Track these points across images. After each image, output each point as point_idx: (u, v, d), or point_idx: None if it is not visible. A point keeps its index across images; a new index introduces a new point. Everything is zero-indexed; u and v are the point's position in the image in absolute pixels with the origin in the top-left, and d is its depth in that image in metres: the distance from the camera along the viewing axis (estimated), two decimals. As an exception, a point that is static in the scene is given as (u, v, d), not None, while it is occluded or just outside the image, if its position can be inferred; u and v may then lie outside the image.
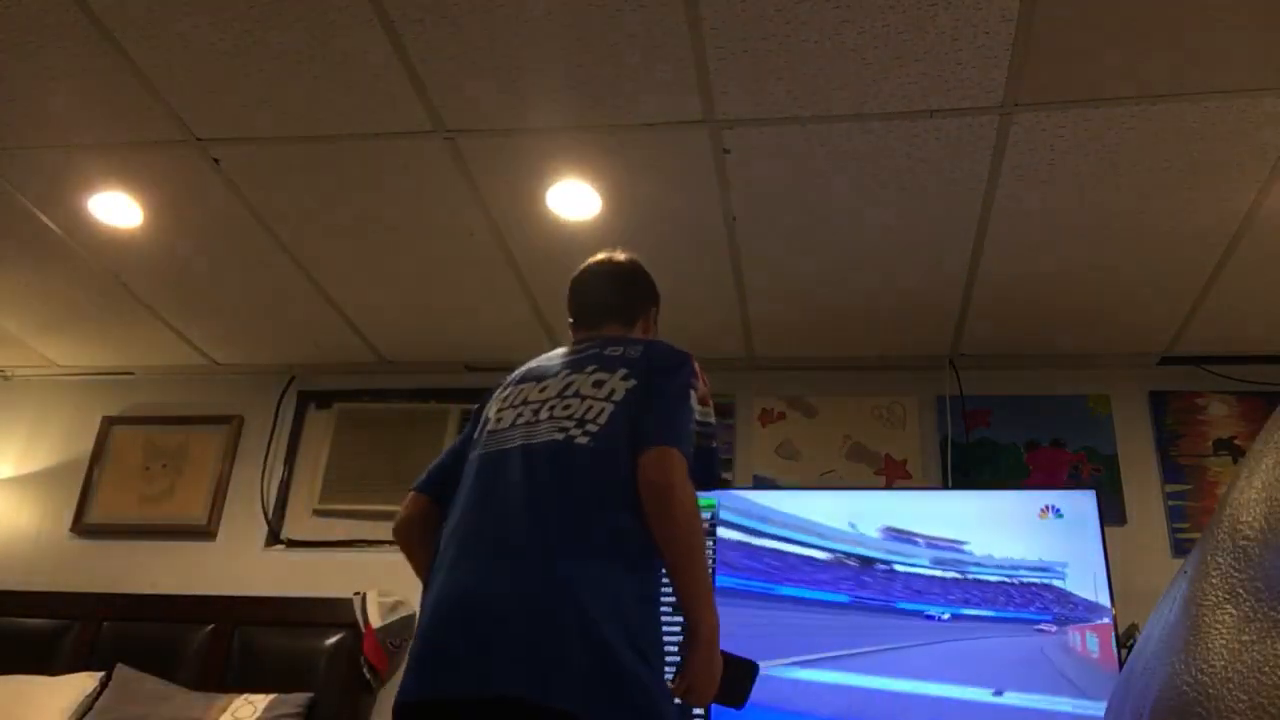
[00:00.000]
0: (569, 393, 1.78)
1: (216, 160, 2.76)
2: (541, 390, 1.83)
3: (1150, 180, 2.59)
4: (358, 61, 2.38)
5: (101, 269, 3.32)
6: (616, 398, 1.75)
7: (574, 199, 2.82)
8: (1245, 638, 0.71)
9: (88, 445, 3.95)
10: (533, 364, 1.96)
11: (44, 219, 3.07)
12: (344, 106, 2.52)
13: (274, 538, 3.69)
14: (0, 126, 2.67)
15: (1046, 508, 3.01)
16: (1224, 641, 0.73)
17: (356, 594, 3.33)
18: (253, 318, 3.59)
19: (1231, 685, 0.69)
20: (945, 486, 3.38)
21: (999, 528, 2.99)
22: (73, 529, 3.81)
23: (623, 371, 1.79)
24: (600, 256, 2.11)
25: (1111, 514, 3.19)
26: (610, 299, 2.04)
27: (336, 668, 3.27)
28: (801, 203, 2.77)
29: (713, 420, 1.84)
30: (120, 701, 3.14)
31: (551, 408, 1.77)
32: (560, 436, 1.72)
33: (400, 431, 3.73)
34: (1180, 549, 3.23)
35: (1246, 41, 2.15)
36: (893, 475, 3.45)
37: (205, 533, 3.72)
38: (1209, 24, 2.12)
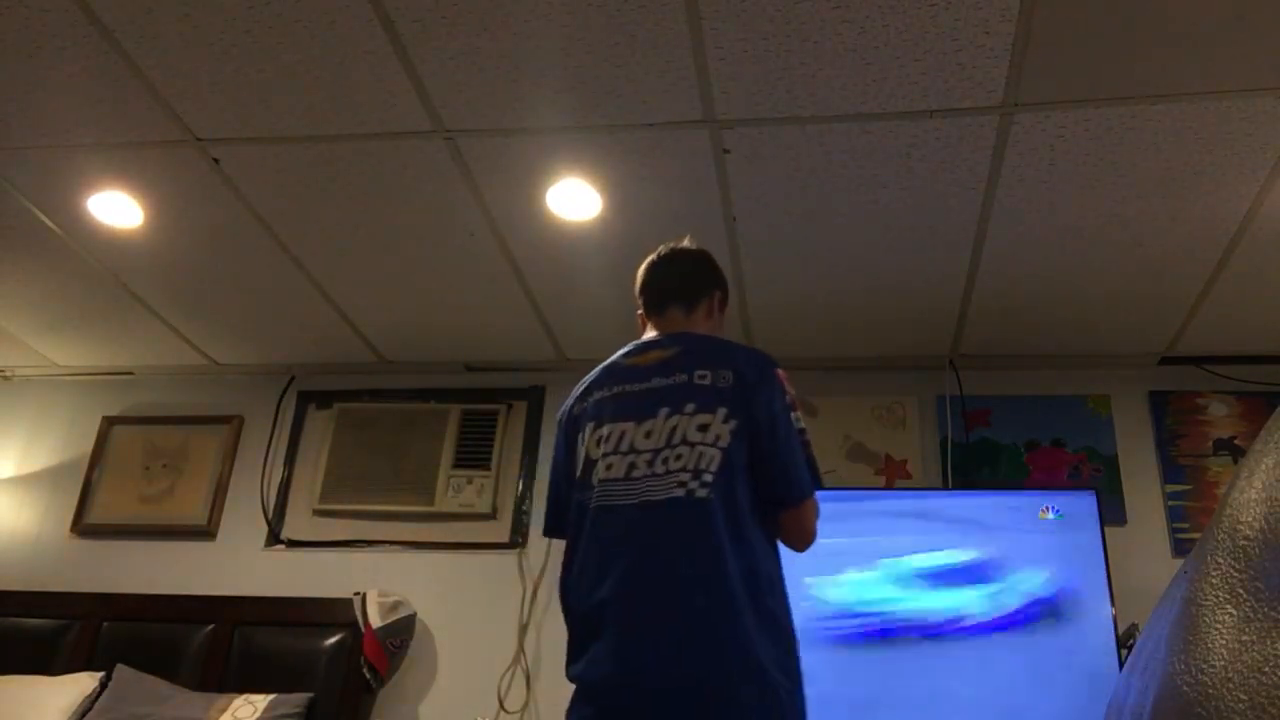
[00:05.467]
0: (676, 439, 1.81)
1: (216, 160, 2.76)
2: (647, 435, 1.84)
3: (1150, 180, 2.59)
4: (358, 61, 2.38)
5: (101, 269, 3.32)
6: (723, 443, 1.80)
7: (574, 199, 2.82)
8: (1245, 638, 0.71)
9: (88, 445, 3.95)
10: (617, 386, 1.94)
11: (44, 219, 3.07)
12: (344, 106, 2.53)
13: (274, 538, 3.69)
14: (0, 126, 2.67)
15: (1046, 508, 3.01)
16: (1224, 641, 0.73)
17: (356, 594, 3.33)
18: (253, 318, 3.59)
19: (1231, 685, 0.69)
20: (945, 487, 3.38)
21: (999, 528, 2.99)
22: (73, 529, 3.81)
23: (722, 412, 1.82)
24: (666, 246, 2.16)
25: (1111, 514, 3.19)
26: (676, 284, 2.09)
27: (336, 668, 3.27)
28: (801, 203, 2.77)
29: (803, 425, 1.90)
30: (120, 702, 3.14)
31: (665, 459, 1.80)
32: (681, 492, 1.77)
33: (400, 431, 3.73)
34: (1180, 549, 3.23)
35: (1245, 41, 2.15)
36: (893, 475, 3.45)
37: (205, 533, 3.72)
38: (1208, 24, 2.12)
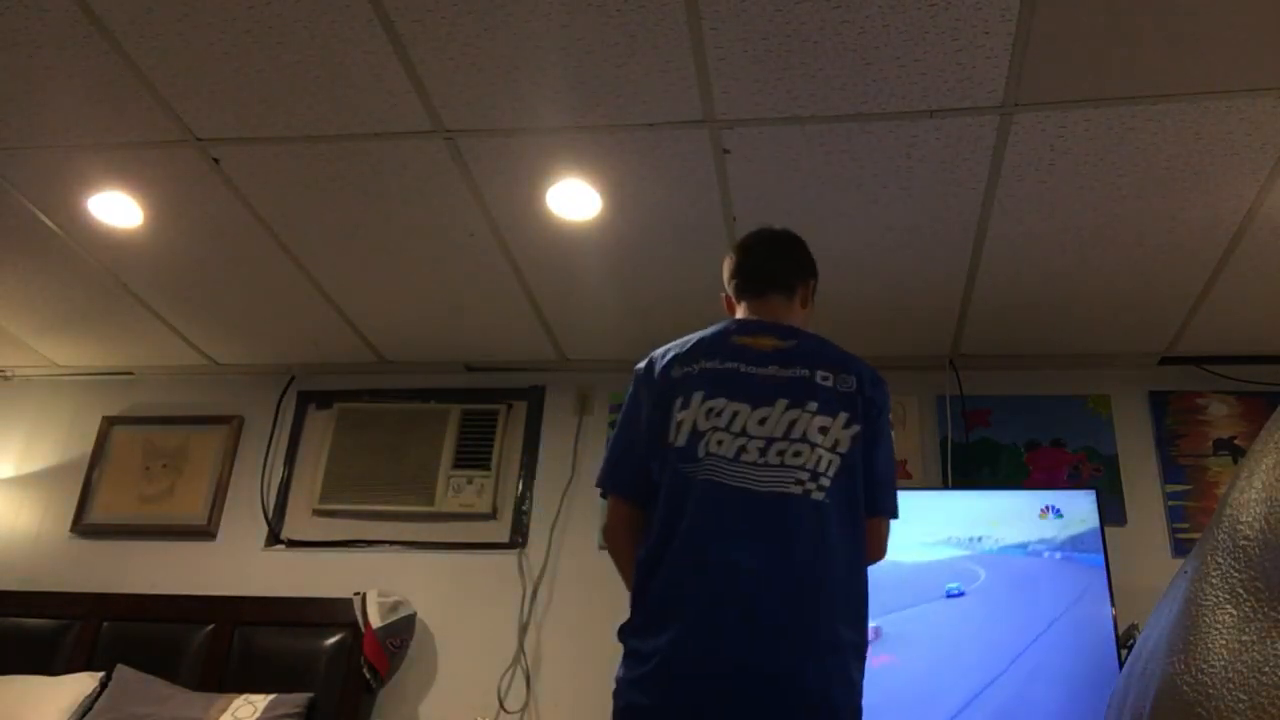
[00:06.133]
0: (795, 434, 1.78)
1: (216, 160, 2.76)
2: (761, 422, 1.79)
3: (1150, 180, 2.59)
4: (358, 61, 2.38)
5: (101, 269, 3.32)
6: (841, 449, 1.79)
7: (574, 199, 2.82)
8: (1245, 638, 0.71)
9: (88, 445, 3.95)
10: (730, 362, 1.86)
11: (44, 219, 3.07)
12: (344, 106, 2.53)
13: (274, 538, 3.69)
14: (0, 126, 2.67)
15: (1046, 508, 3.01)
16: (1224, 641, 0.73)
17: (356, 594, 3.33)
18: (253, 318, 3.59)
19: (1231, 685, 0.69)
20: (945, 486, 3.38)
21: (999, 528, 2.99)
22: (73, 529, 3.81)
23: (844, 417, 1.81)
24: (760, 229, 2.13)
25: (1111, 514, 3.19)
26: (779, 270, 2.05)
27: (336, 668, 3.27)
28: (801, 203, 2.77)
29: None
30: (120, 702, 3.14)
31: (781, 453, 1.77)
32: (798, 490, 1.75)
33: (400, 431, 3.73)
34: (1180, 549, 3.23)
35: (1245, 41, 2.16)
36: (893, 475, 3.45)
37: (205, 533, 3.72)
38: (1208, 24, 2.12)
